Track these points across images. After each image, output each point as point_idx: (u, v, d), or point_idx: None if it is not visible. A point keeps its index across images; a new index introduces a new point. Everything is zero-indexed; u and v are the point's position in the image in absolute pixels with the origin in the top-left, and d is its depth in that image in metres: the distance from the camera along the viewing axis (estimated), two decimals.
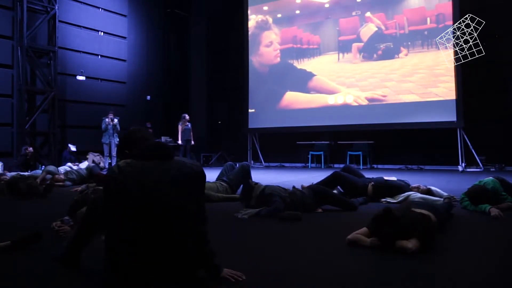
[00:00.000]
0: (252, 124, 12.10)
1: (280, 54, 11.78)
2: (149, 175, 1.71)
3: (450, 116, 9.17)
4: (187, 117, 11.52)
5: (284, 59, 11.73)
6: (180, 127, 11.38)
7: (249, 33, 12.31)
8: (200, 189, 1.85)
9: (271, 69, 11.89)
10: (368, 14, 10.45)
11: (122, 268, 1.67)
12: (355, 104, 10.45)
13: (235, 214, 3.68)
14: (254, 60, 12.17)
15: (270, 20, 12.03)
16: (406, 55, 9.91)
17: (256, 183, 4.06)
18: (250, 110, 12.13)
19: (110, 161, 10.57)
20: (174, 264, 1.70)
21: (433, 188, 4.38)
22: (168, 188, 1.71)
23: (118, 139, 10.78)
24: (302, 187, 4.30)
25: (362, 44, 10.48)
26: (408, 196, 4.18)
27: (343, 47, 10.81)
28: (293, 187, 4.16)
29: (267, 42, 12.01)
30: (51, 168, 6.84)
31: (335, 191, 4.39)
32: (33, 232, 2.59)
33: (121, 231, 1.67)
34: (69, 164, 8.05)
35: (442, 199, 3.99)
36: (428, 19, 9.67)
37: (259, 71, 12.10)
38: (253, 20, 12.30)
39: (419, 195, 4.15)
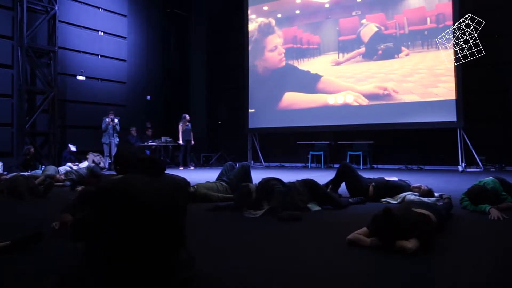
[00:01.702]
0: (252, 124, 12.10)
1: (285, 58, 11.73)
2: (143, 190, 1.71)
3: (450, 116, 9.16)
4: (187, 117, 11.53)
5: (285, 60, 11.72)
6: (180, 127, 11.40)
7: (252, 38, 12.23)
8: (186, 198, 1.88)
9: (274, 73, 11.84)
10: (363, 21, 10.46)
11: (107, 275, 1.65)
12: (355, 104, 10.45)
13: (246, 215, 3.66)
14: (258, 64, 12.08)
15: (273, 22, 12.00)
16: (406, 55, 9.91)
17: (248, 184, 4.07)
18: (250, 110, 12.13)
19: (110, 161, 10.57)
20: (164, 271, 1.69)
21: None
22: (160, 198, 1.71)
23: (118, 139, 10.79)
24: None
25: (363, 44, 10.48)
26: (405, 196, 4.19)
27: (343, 47, 10.80)
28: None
29: (271, 47, 11.93)
30: (51, 171, 6.84)
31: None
32: (33, 232, 2.59)
33: (109, 239, 1.65)
34: (69, 164, 8.07)
35: (438, 198, 3.99)
36: (428, 19, 9.67)
37: (262, 74, 12.04)
38: (255, 23, 12.24)
39: (413, 196, 4.14)
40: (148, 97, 13.07)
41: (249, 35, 12.30)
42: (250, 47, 12.26)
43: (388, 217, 2.37)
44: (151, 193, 1.69)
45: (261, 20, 12.17)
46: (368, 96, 10.27)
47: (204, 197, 4.47)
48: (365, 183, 4.55)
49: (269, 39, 12.00)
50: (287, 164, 11.71)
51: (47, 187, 5.19)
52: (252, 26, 12.30)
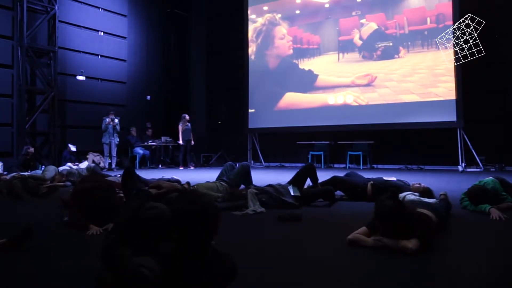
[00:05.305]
0: (252, 124, 12.09)
1: (292, 45, 11.72)
2: None
3: (450, 116, 9.16)
4: (187, 117, 11.53)
5: (285, 58, 11.72)
6: (180, 127, 11.40)
7: (264, 28, 12.20)
8: None
9: (282, 62, 11.78)
10: (363, 21, 10.45)
11: None
12: (355, 104, 10.45)
13: (244, 212, 3.75)
14: (269, 53, 12.03)
15: (277, 16, 12.02)
16: (406, 55, 9.91)
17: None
18: (250, 110, 12.12)
19: (110, 161, 10.57)
20: None
21: None
22: None
23: (118, 139, 10.79)
24: None
25: (362, 43, 10.48)
26: (405, 196, 4.17)
27: (343, 47, 10.80)
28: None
29: (280, 35, 11.95)
30: (51, 171, 6.83)
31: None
32: (24, 229, 2.56)
33: None
34: (69, 164, 8.08)
35: (437, 199, 3.98)
36: (428, 19, 9.66)
37: (264, 68, 11.98)
38: (263, 18, 12.22)
39: (413, 196, 4.13)
40: (148, 97, 13.07)
41: (259, 27, 12.27)
42: (260, 39, 12.20)
43: (398, 207, 2.36)
44: None
45: (267, 15, 12.17)
46: (368, 96, 10.26)
47: None
48: (362, 182, 4.54)
49: (277, 28, 12.00)
50: (287, 164, 11.70)
51: (50, 189, 5.22)
52: (260, 21, 12.24)
